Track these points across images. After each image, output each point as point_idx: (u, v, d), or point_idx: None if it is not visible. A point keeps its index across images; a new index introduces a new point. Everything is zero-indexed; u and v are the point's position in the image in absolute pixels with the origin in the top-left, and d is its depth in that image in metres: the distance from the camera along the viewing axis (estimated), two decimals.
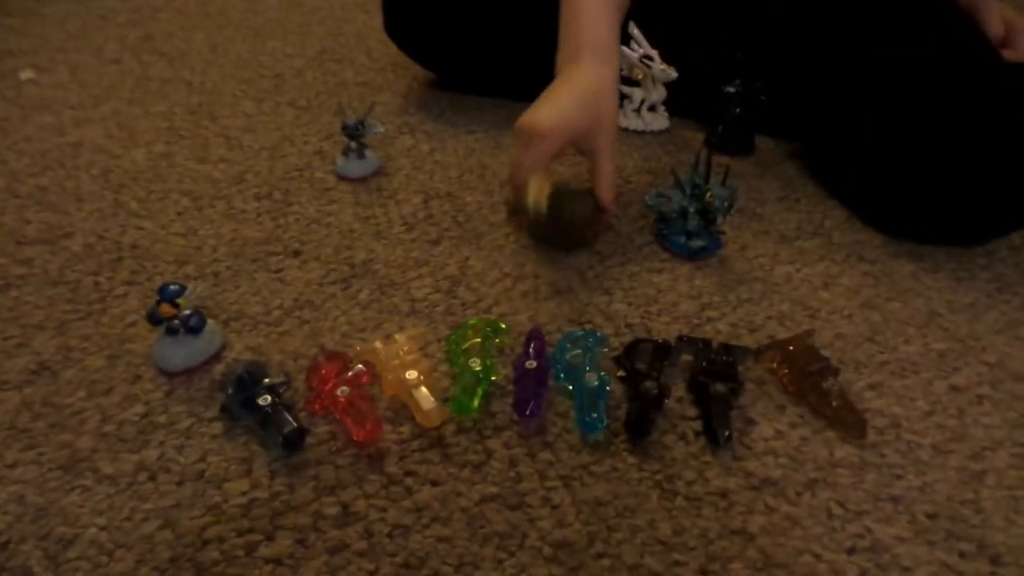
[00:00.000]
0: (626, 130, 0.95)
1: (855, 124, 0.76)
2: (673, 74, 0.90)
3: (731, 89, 0.87)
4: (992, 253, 0.74)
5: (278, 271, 0.69)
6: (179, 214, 0.77)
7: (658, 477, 0.50)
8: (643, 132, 0.95)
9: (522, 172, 0.68)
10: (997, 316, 0.66)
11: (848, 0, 0.80)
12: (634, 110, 0.95)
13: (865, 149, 0.76)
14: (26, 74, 1.09)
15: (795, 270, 0.71)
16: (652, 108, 0.95)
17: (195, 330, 0.56)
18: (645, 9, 0.84)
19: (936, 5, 0.79)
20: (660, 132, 0.95)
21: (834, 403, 0.54)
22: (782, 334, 0.63)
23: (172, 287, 0.55)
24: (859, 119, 0.76)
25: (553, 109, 0.68)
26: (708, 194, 0.69)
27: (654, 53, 0.88)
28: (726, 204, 0.69)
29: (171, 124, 0.96)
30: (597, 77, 0.70)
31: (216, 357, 0.58)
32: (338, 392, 0.52)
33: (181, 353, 0.57)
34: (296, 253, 0.71)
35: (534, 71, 0.86)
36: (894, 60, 0.74)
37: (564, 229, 0.70)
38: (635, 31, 0.87)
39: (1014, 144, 0.67)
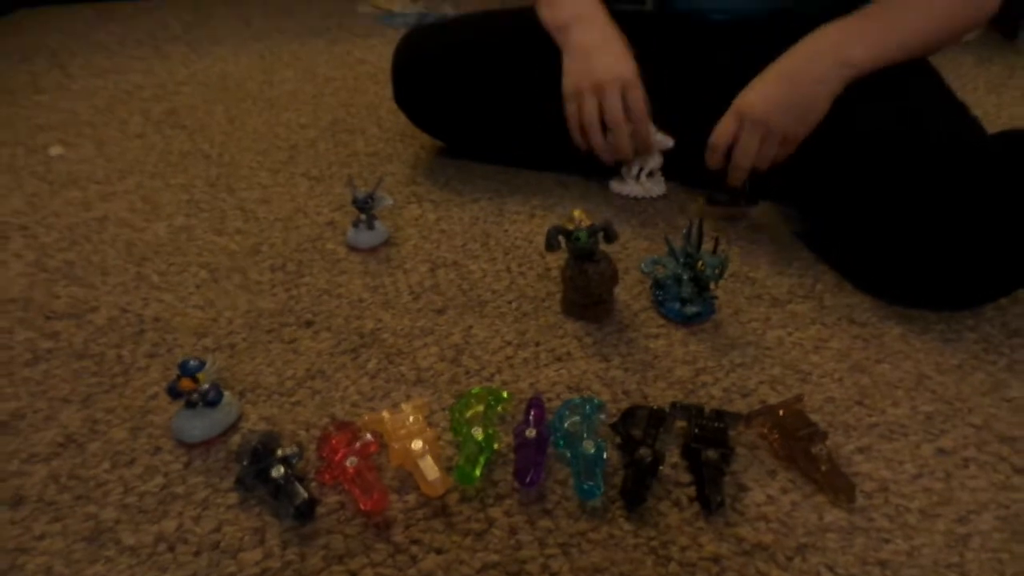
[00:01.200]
0: (625, 196, 0.99)
1: (846, 194, 0.80)
2: (670, 142, 0.94)
3: None
4: (979, 314, 0.76)
5: (291, 341, 0.72)
6: (198, 287, 0.81)
7: (653, 543, 0.52)
8: (641, 198, 0.99)
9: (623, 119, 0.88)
10: (983, 377, 0.68)
11: None
12: (633, 177, 0.99)
13: (856, 219, 0.79)
14: (55, 150, 1.15)
15: (787, 334, 0.74)
16: (650, 175, 0.99)
17: (213, 403, 0.60)
18: (643, 80, 0.89)
19: (922, 79, 0.84)
20: (657, 198, 0.99)
21: (823, 468, 0.56)
22: (774, 398, 0.65)
23: (192, 362, 0.59)
24: (849, 189, 0.79)
25: (620, 58, 0.88)
26: (700, 262, 0.72)
27: (650, 121, 0.92)
28: (717, 272, 0.72)
29: (191, 197, 1.01)
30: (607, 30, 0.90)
31: (233, 428, 0.62)
32: (347, 463, 0.55)
33: (200, 425, 0.60)
34: (308, 324, 0.75)
35: (536, 140, 0.91)
36: (883, 132, 0.77)
37: (590, 283, 0.72)
38: None
39: (999, 214, 0.70)
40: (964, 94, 1.37)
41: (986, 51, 1.66)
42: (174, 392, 0.59)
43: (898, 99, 0.80)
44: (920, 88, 0.83)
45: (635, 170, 0.98)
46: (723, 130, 0.84)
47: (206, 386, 0.59)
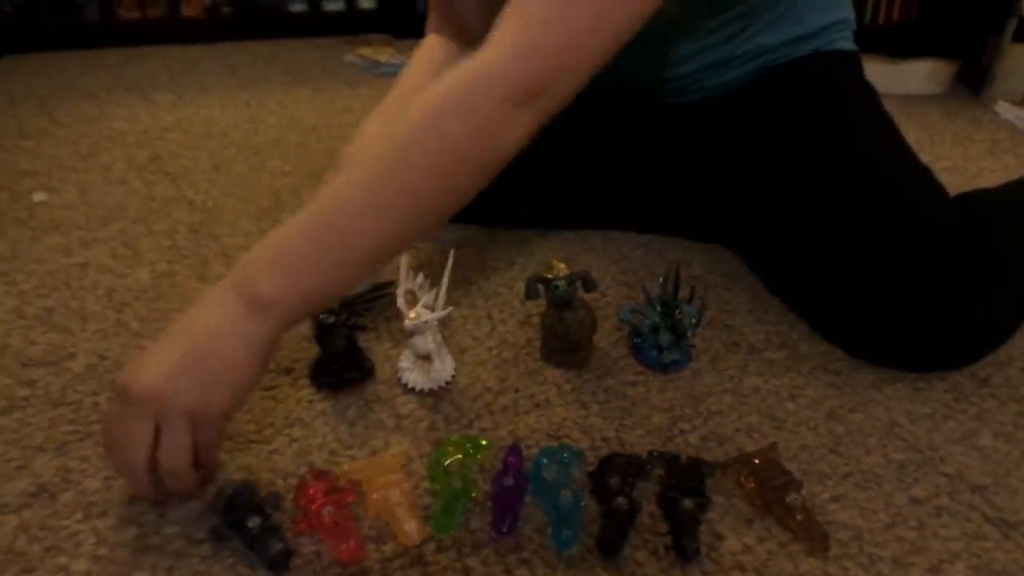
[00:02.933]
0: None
1: (808, 256, 0.81)
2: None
3: None
4: None
5: (271, 388, 0.72)
6: None
7: None
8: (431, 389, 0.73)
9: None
10: (955, 426, 0.69)
11: (794, 146, 0.85)
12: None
13: (820, 281, 0.80)
14: (39, 196, 1.15)
15: (763, 381, 0.75)
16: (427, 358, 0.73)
17: None
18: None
19: (881, 143, 0.86)
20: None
21: (799, 517, 0.57)
22: (750, 446, 0.66)
23: None
24: (811, 252, 0.81)
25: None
26: (677, 311, 0.73)
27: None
28: (694, 321, 0.73)
29: (173, 243, 1.01)
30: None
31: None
32: (323, 512, 0.55)
33: None
34: (288, 371, 0.75)
35: (512, 193, 0.92)
36: (839, 201, 0.80)
37: (569, 330, 0.73)
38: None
39: (954, 279, 0.72)
40: (932, 146, 1.43)
41: (953, 105, 1.72)
42: None
43: (853, 159, 0.82)
44: (876, 145, 0.85)
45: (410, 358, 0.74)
46: (107, 425, 0.56)
47: None
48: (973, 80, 1.81)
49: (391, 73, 1.90)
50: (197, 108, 1.63)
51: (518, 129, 0.61)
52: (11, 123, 1.52)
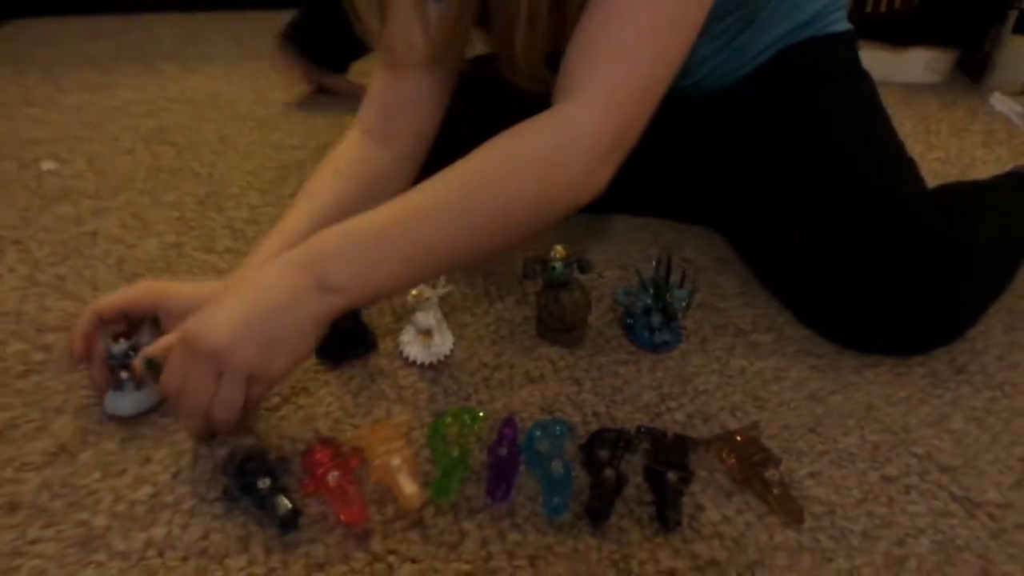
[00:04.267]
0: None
1: (788, 241, 0.84)
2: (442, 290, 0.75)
3: None
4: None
5: None
6: None
7: (615, 557, 0.56)
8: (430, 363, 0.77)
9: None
10: (929, 410, 0.73)
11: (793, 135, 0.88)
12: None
13: (801, 268, 0.83)
14: (47, 165, 1.17)
15: (748, 363, 0.78)
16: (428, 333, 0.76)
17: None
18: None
19: (867, 129, 0.88)
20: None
21: (776, 491, 0.61)
22: (733, 424, 0.69)
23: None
24: (792, 237, 0.83)
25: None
26: (668, 295, 0.76)
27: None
28: (684, 304, 0.77)
29: (181, 214, 1.04)
30: None
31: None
32: (329, 477, 0.58)
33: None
34: None
35: None
36: (821, 186, 0.82)
37: (565, 310, 0.76)
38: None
39: (931, 266, 0.75)
40: (928, 136, 1.45)
41: (951, 94, 1.74)
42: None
43: (842, 150, 0.84)
44: (860, 133, 0.86)
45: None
46: (172, 369, 0.58)
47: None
48: (973, 69, 1.83)
49: None
50: (202, 79, 1.64)
51: (602, 179, 0.62)
52: (17, 90, 1.54)
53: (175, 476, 0.61)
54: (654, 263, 0.79)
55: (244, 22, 2.09)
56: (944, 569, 0.57)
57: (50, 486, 0.60)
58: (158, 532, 0.56)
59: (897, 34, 1.77)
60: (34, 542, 0.55)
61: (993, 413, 0.73)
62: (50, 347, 0.76)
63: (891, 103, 0.92)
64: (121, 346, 0.65)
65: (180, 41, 1.93)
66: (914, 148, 1.33)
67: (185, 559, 0.54)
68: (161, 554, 0.54)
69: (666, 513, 0.58)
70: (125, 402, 0.65)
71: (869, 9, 1.76)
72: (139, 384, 0.65)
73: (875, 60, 1.79)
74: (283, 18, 1.49)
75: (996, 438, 0.69)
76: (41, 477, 0.60)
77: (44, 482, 0.60)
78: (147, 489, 0.60)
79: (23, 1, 2.08)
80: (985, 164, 1.35)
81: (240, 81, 1.64)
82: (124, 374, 0.65)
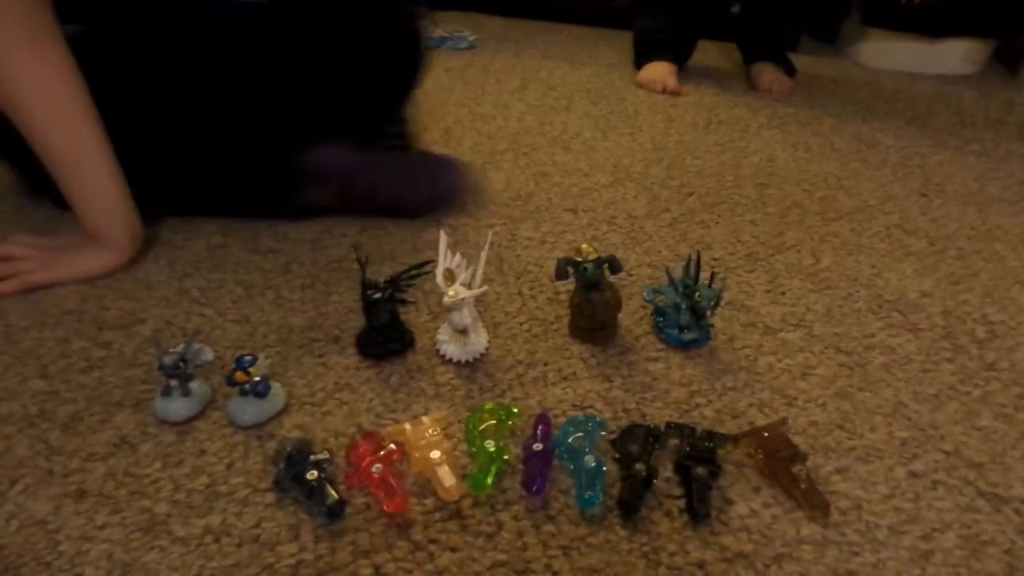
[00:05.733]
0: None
1: None
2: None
3: None
4: (958, 347, 0.82)
5: (320, 356, 0.79)
6: (234, 302, 0.88)
7: (645, 549, 0.58)
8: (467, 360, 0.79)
9: None
10: (957, 407, 0.74)
11: None
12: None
13: None
14: None
15: (777, 360, 0.80)
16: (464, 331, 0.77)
17: (261, 394, 0.68)
18: None
19: None
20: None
21: (802, 486, 0.62)
22: (761, 420, 0.71)
23: (247, 358, 0.68)
24: None
25: None
26: (697, 294, 0.78)
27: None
28: (713, 302, 0.78)
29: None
30: None
31: (281, 414, 0.71)
32: (372, 469, 0.62)
33: (250, 411, 0.69)
34: (336, 339, 0.81)
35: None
36: None
37: (596, 308, 0.78)
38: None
39: None
40: (963, 129, 1.44)
41: (987, 85, 1.71)
42: (230, 381, 0.67)
43: None
44: None
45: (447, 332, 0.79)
46: None
47: (257, 378, 0.67)
48: (1010, 59, 1.80)
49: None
50: None
51: None
52: None
53: (229, 467, 0.65)
54: (684, 264, 0.81)
55: None
56: (970, 564, 0.58)
57: (115, 475, 0.64)
58: (214, 520, 0.60)
59: (933, 25, 1.75)
60: (102, 527, 0.59)
61: (1022, 410, 0.73)
62: (110, 344, 0.80)
63: (925, 95, 0.92)
64: (172, 357, 0.68)
65: None
66: (948, 142, 1.32)
67: (240, 545, 0.58)
68: (218, 540, 0.58)
69: (695, 506, 0.60)
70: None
71: (904, 0, 1.74)
72: (185, 392, 0.69)
73: (908, 51, 1.77)
74: None
75: None
76: (106, 467, 0.65)
77: (109, 471, 0.64)
78: (203, 479, 0.64)
79: None
80: (1021, 158, 1.34)
81: None
82: (173, 382, 0.69)
